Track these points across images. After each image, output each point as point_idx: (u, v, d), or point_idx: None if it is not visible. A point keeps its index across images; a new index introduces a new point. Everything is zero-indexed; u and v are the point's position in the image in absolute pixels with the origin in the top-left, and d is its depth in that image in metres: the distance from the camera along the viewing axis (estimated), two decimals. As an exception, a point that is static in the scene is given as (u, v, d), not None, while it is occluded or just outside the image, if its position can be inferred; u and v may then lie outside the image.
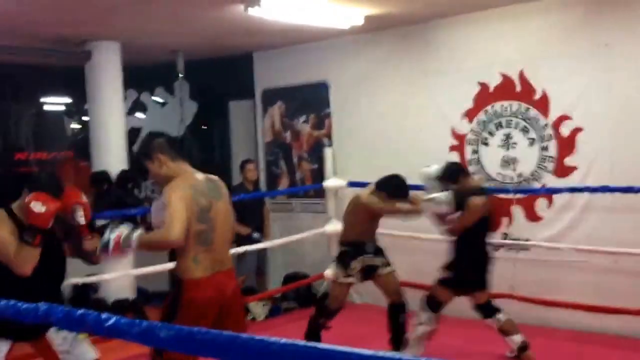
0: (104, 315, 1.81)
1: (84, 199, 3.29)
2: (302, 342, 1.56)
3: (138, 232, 3.07)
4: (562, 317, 5.37)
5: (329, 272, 6.67)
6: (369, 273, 4.77)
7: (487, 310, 4.50)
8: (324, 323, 4.87)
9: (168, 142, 3.24)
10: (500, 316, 4.46)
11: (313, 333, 4.88)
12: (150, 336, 1.69)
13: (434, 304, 4.53)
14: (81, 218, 3.21)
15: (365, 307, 6.56)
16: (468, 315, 4.80)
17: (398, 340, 4.72)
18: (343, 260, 4.75)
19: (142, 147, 3.27)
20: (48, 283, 3.24)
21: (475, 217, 4.37)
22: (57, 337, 3.22)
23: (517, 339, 4.46)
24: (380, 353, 1.43)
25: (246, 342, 1.61)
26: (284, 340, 1.55)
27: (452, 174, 4.56)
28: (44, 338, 3.24)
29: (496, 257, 5.67)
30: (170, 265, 5.88)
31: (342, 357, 1.47)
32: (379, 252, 4.82)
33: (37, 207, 3.10)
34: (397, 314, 4.75)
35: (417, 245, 6.03)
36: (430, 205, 4.49)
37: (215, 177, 3.33)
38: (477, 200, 4.38)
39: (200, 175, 3.21)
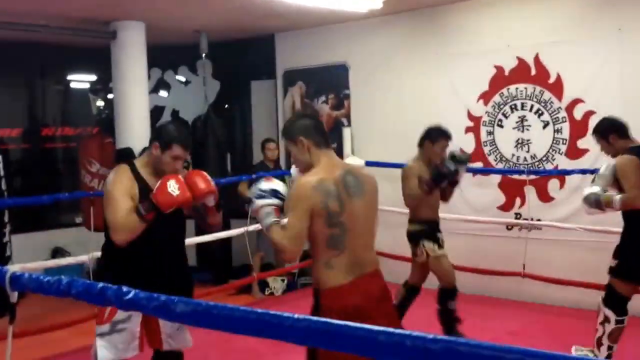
0: (124, 289, 1.83)
1: (213, 184, 3.06)
2: (316, 318, 1.60)
3: (271, 221, 2.76)
4: (571, 296, 5.49)
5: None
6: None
7: None
8: (455, 308, 4.49)
9: (315, 125, 2.87)
10: None
11: (449, 326, 4.49)
12: (167, 310, 1.72)
13: (614, 298, 3.96)
14: (211, 202, 3.13)
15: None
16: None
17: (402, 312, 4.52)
18: (430, 236, 4.47)
19: (287, 127, 2.92)
20: (159, 260, 3.07)
21: (635, 177, 3.74)
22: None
23: None
24: (390, 330, 1.45)
25: (261, 316, 1.65)
26: (297, 315, 1.59)
27: (605, 131, 3.98)
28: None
29: (509, 236, 5.83)
30: (191, 240, 6.11)
31: (355, 334, 1.50)
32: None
33: (171, 187, 2.89)
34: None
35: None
36: (588, 204, 3.96)
37: (360, 170, 2.99)
38: (623, 160, 3.80)
39: (339, 170, 2.82)
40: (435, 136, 4.47)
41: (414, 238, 4.55)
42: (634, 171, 3.75)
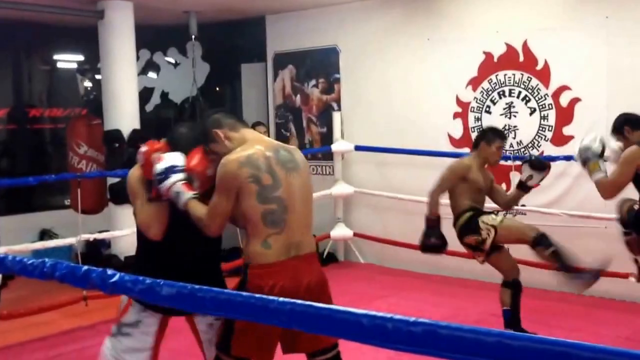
0: (108, 272, 1.81)
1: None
2: (300, 301, 1.61)
3: (188, 196, 2.62)
4: (553, 279, 5.56)
5: (334, 233, 6.89)
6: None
7: None
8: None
9: (223, 114, 2.78)
10: None
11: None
12: (153, 293, 1.72)
13: None
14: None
15: (369, 267, 6.79)
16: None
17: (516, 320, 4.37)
18: (470, 226, 4.25)
19: (201, 132, 2.77)
20: (190, 253, 2.79)
21: (626, 171, 3.60)
22: (201, 324, 2.87)
23: None
24: (373, 313, 1.45)
25: (246, 299, 1.68)
26: (282, 299, 1.61)
27: (619, 125, 3.84)
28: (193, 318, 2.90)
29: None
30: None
31: (337, 316, 1.51)
32: None
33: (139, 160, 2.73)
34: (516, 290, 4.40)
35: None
36: (579, 156, 3.82)
37: (290, 147, 2.85)
38: (629, 151, 3.64)
39: (269, 145, 2.71)
40: (491, 137, 4.34)
41: (461, 235, 4.32)
42: (629, 164, 3.60)
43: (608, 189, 3.67)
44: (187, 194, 2.62)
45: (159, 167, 2.63)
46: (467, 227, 4.26)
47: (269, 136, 7.03)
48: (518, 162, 5.65)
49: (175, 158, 2.66)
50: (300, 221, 2.66)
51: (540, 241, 4.09)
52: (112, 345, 2.79)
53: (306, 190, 2.73)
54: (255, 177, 2.55)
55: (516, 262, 4.46)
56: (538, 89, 5.63)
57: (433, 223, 4.31)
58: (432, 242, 4.31)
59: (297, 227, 2.64)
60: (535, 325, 4.49)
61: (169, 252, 2.74)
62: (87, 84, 8.42)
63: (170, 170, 2.62)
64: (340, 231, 6.90)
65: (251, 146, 2.64)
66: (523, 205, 5.70)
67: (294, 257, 2.61)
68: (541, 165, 4.40)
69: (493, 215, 4.28)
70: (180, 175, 2.63)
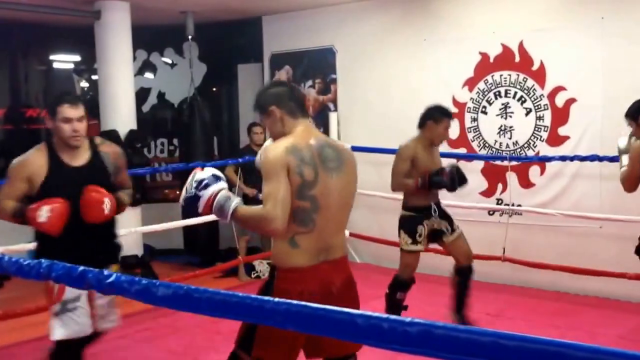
0: (105, 272, 1.81)
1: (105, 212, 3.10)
2: (295, 302, 1.60)
3: (235, 202, 2.43)
4: (549, 278, 5.59)
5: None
6: (434, 237, 4.42)
7: None
8: (402, 298, 4.44)
9: (288, 93, 2.63)
10: None
11: (392, 312, 4.36)
12: (149, 294, 1.72)
13: None
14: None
15: (365, 267, 6.79)
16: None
17: (460, 304, 4.48)
18: (410, 226, 4.36)
19: (258, 97, 2.69)
20: (78, 241, 3.09)
21: (634, 165, 3.63)
22: (100, 300, 3.15)
23: None
24: (368, 313, 1.45)
25: (242, 300, 1.65)
26: (277, 299, 1.61)
27: (634, 112, 3.83)
28: None
29: (490, 221, 5.91)
30: (177, 223, 6.10)
31: (333, 317, 1.51)
32: (444, 215, 4.45)
33: (42, 216, 2.96)
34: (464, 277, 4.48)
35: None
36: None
37: (339, 144, 2.71)
38: (637, 145, 3.63)
39: (316, 139, 2.56)
40: (438, 116, 4.29)
41: (399, 225, 4.45)
42: (637, 159, 3.64)
43: (623, 182, 3.72)
44: (233, 200, 2.43)
45: (202, 175, 2.46)
46: (405, 225, 4.39)
47: (264, 137, 7.08)
48: (514, 163, 5.70)
49: (215, 170, 2.52)
50: (333, 224, 2.53)
51: (402, 285, 4.43)
52: (62, 320, 3.02)
53: (347, 193, 2.58)
54: (300, 168, 2.42)
55: (469, 250, 4.51)
56: (534, 89, 5.64)
57: (426, 176, 4.26)
58: (443, 179, 4.24)
59: (329, 229, 2.51)
60: (530, 324, 4.51)
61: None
62: (84, 84, 8.41)
63: (215, 178, 2.47)
64: (337, 231, 6.89)
65: (299, 137, 2.51)
66: (519, 205, 5.74)
67: (324, 262, 2.51)
68: (450, 188, 4.39)
69: (408, 240, 4.35)
70: (225, 184, 2.48)
